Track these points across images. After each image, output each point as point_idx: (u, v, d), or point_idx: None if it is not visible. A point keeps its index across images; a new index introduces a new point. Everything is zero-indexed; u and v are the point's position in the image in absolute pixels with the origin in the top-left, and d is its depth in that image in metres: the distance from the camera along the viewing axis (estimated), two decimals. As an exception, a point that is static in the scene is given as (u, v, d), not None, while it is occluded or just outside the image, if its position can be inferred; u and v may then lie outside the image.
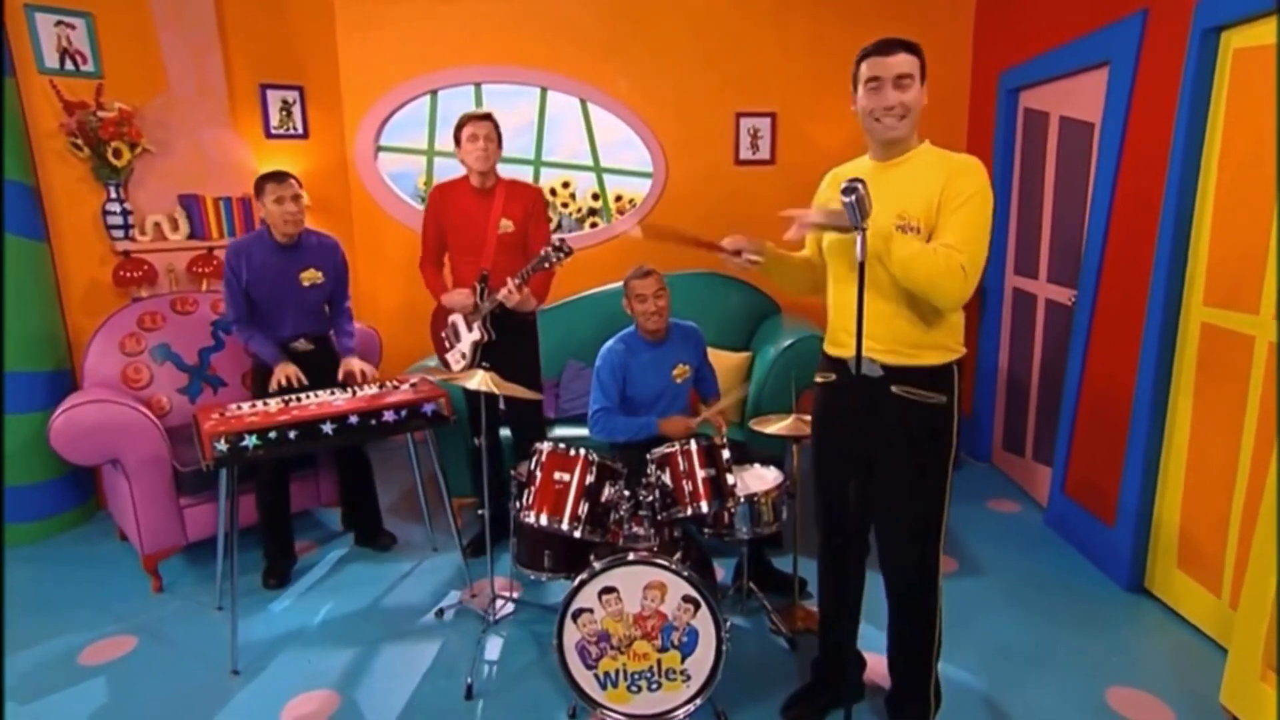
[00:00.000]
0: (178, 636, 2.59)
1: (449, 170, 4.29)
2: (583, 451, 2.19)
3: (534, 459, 2.23)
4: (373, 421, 2.53)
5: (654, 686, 2.08)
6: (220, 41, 3.70)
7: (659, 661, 2.07)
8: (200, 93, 3.67)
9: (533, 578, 2.53)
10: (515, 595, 2.79)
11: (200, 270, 3.57)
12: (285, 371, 2.77)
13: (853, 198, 1.48)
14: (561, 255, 2.60)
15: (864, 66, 1.78)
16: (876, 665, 2.25)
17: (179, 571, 3.01)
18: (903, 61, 1.72)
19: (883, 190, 1.76)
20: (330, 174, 4.14)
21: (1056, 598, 2.73)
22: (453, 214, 2.91)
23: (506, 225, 2.88)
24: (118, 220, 3.44)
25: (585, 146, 4.31)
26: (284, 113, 3.95)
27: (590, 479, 2.16)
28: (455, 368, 3.00)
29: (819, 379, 1.99)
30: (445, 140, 4.27)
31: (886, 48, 1.73)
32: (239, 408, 2.50)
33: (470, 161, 2.84)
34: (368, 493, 3.17)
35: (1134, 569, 2.71)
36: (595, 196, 4.39)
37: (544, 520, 2.16)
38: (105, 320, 3.19)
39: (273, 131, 3.93)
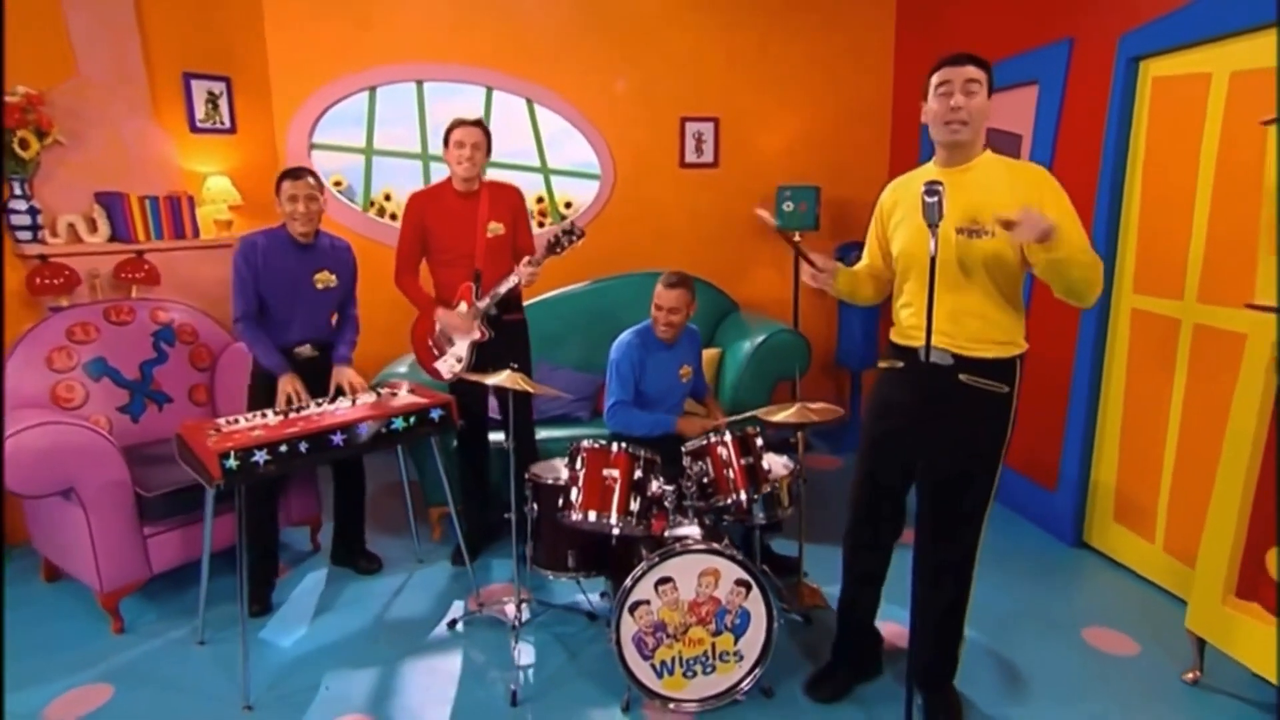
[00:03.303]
0: (162, 678, 2.35)
1: (386, 169, 4.14)
2: (625, 447, 2.23)
3: (575, 458, 2.24)
4: (383, 430, 2.42)
5: (708, 670, 2.16)
6: (137, 24, 3.37)
7: (713, 645, 2.15)
8: (116, 79, 3.32)
9: (551, 578, 2.54)
10: (526, 599, 2.76)
11: (130, 276, 3.22)
12: (292, 386, 2.59)
13: (935, 198, 1.63)
14: (574, 238, 2.60)
15: (935, 76, 1.89)
16: (890, 637, 2.43)
17: (138, 609, 2.72)
18: (971, 70, 1.84)
19: (951, 194, 1.92)
20: (260, 172, 3.84)
21: (1012, 557, 3.06)
22: (440, 220, 2.84)
23: (496, 228, 2.85)
24: (24, 220, 3.04)
25: (525, 144, 4.27)
26: (210, 105, 3.64)
27: (638, 473, 2.20)
28: (448, 374, 2.92)
29: (883, 365, 2.10)
30: (382, 139, 4.11)
31: (957, 59, 1.86)
32: (235, 421, 2.32)
33: (455, 166, 2.80)
34: (357, 511, 3.00)
35: (1076, 526, 3.10)
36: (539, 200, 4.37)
37: (592, 517, 2.18)
38: (24, 333, 2.81)
39: (198, 125, 3.62)
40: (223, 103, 3.68)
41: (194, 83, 3.57)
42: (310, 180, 2.61)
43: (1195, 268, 2.56)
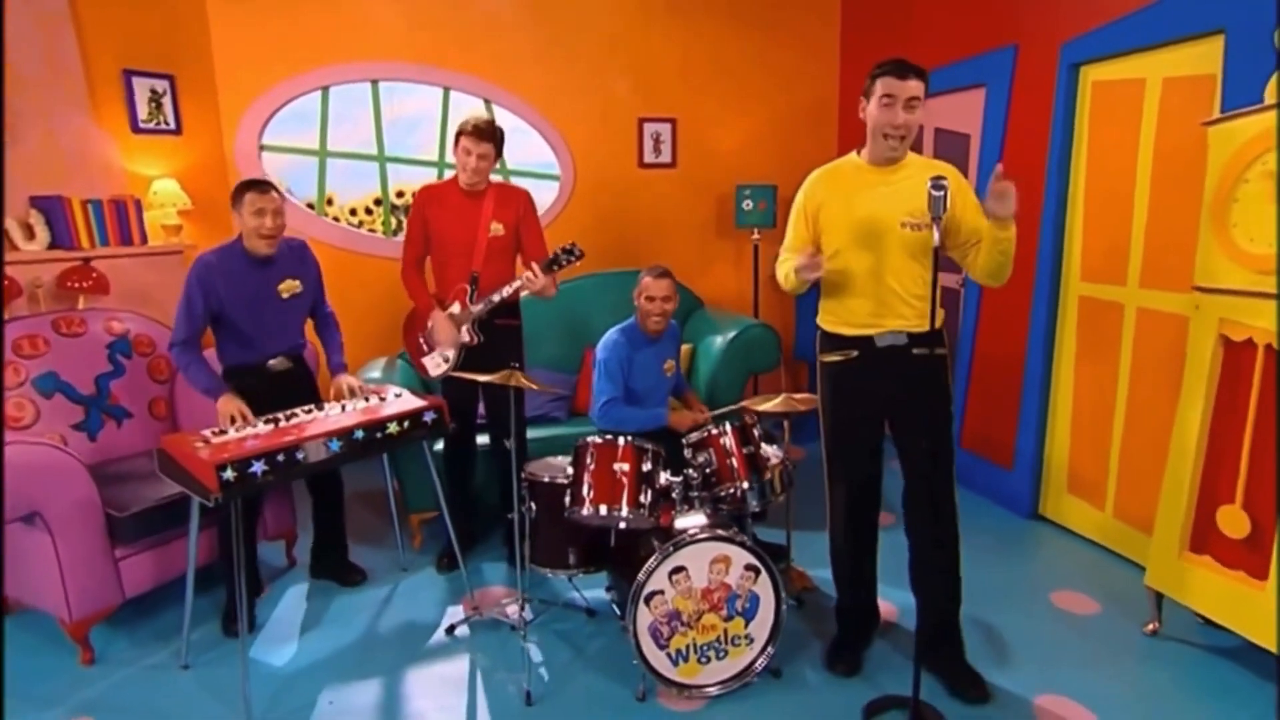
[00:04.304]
0: (148, 706, 2.23)
1: (340, 172, 4.01)
2: (631, 440, 2.26)
3: (584, 455, 2.26)
4: (378, 434, 2.37)
5: (721, 655, 2.21)
6: (72, 16, 3.16)
7: (725, 630, 2.21)
8: (50, 74, 3.11)
9: (550, 576, 2.56)
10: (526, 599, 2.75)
11: (77, 285, 3.01)
12: (234, 407, 2.38)
13: (942, 193, 1.74)
14: (574, 257, 2.64)
15: (879, 83, 2.00)
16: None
17: (106, 637, 2.56)
18: (914, 86, 1.97)
19: (887, 192, 2.06)
20: (208, 174, 3.69)
21: (976, 533, 3.22)
22: (441, 216, 2.81)
23: (497, 229, 2.84)
24: (-48, 227, 2.82)
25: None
26: (153, 104, 3.46)
27: (646, 466, 2.24)
28: (435, 371, 2.89)
29: (834, 359, 2.20)
30: (337, 140, 3.99)
31: (902, 71, 1.96)
32: (223, 431, 2.22)
33: (460, 173, 2.79)
34: (338, 521, 2.91)
35: (1031, 501, 3.32)
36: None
37: (603, 511, 2.20)
38: (-35, 348, 2.61)
39: (141, 125, 3.43)
40: (166, 102, 3.50)
41: (135, 80, 3.39)
42: (275, 194, 2.49)
43: (1136, 256, 2.80)
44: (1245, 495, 2.16)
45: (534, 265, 2.69)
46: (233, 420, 2.35)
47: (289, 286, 2.62)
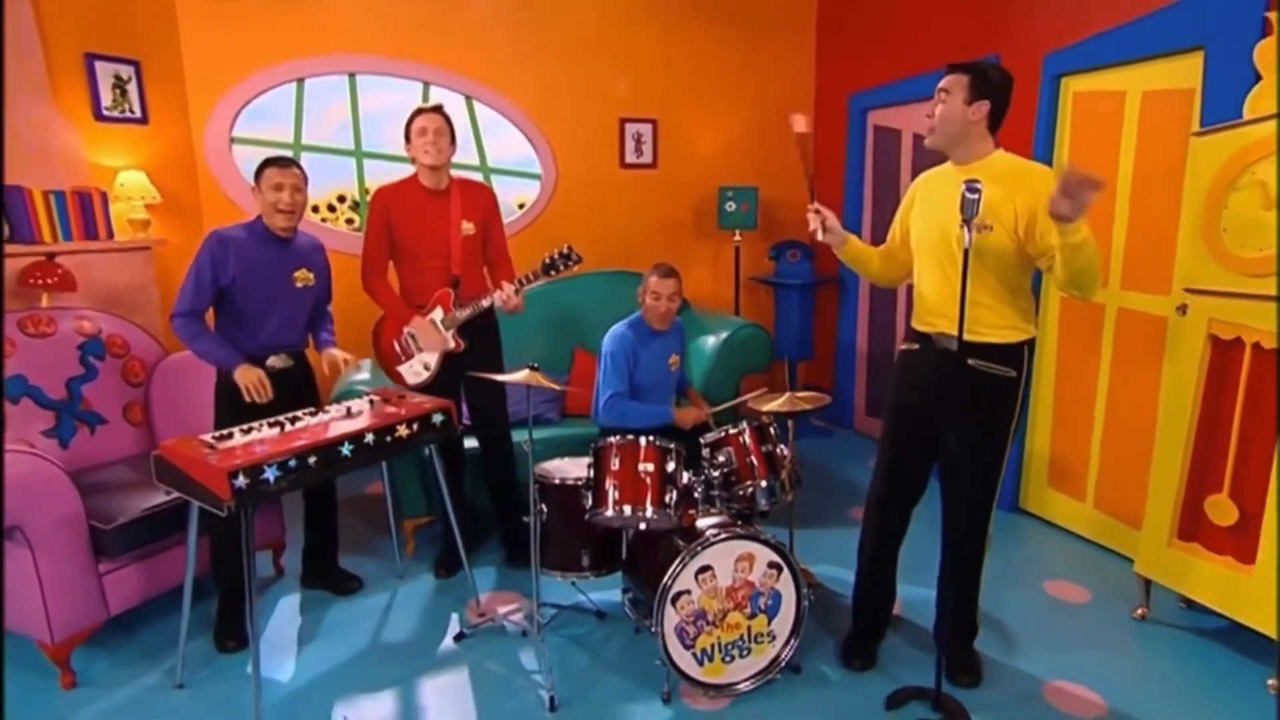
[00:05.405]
0: (144, 730, 2.10)
1: (315, 166, 3.87)
2: (653, 440, 2.25)
3: (607, 456, 2.24)
4: (388, 438, 2.30)
5: (744, 653, 2.22)
6: (29, -6, 2.96)
7: (749, 628, 2.22)
8: (8, 57, 2.89)
9: (560, 579, 2.52)
10: (518, 605, 2.70)
11: (39, 281, 2.82)
12: (251, 377, 2.36)
13: (976, 195, 1.79)
14: (570, 263, 2.61)
15: None
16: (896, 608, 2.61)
17: (85, 659, 2.39)
18: (944, 80, 2.04)
19: (957, 192, 2.08)
20: (176, 166, 3.51)
21: (962, 526, 3.35)
22: (407, 218, 2.70)
23: (468, 228, 2.77)
24: (-99, 219, 2.61)
25: (463, 141, 4.15)
26: (118, 91, 3.26)
27: (669, 466, 2.23)
28: (414, 380, 2.79)
29: (903, 347, 2.28)
30: (310, 134, 3.84)
31: (946, 70, 2.05)
32: (229, 435, 2.11)
33: (420, 157, 2.67)
34: (331, 529, 2.81)
35: (1013, 494, 3.44)
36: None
37: (627, 512, 2.19)
38: (-79, 350, 2.41)
39: (105, 113, 3.23)
40: (132, 89, 3.31)
41: (98, 65, 3.19)
42: (297, 171, 2.44)
43: (1117, 259, 2.94)
44: (1232, 485, 2.29)
45: (505, 285, 2.65)
46: (254, 390, 2.36)
47: (303, 276, 2.55)
